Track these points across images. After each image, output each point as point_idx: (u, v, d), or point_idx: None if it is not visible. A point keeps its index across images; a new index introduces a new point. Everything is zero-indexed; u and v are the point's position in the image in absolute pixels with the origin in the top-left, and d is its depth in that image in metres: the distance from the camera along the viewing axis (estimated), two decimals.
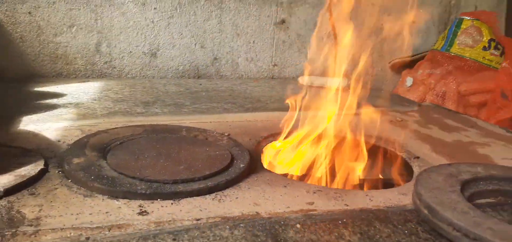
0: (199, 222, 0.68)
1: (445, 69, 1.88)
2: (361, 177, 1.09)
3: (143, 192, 0.75)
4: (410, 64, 2.14)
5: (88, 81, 1.70)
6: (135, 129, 1.07)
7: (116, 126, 1.09)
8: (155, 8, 1.80)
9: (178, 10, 1.84)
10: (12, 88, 1.51)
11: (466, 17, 1.90)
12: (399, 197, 0.82)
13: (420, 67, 2.00)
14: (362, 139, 1.12)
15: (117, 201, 0.73)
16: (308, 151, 1.10)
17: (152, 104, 1.40)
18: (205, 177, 0.81)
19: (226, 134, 1.12)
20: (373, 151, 1.13)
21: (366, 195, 0.82)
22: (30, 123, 1.12)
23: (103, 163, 0.85)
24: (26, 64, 1.67)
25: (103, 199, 0.73)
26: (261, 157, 1.05)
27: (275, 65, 2.04)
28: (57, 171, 0.83)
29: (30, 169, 0.80)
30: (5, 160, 0.83)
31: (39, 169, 0.81)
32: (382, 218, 0.72)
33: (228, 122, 1.25)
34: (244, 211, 0.72)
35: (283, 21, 2.00)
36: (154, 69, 1.86)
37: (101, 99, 1.43)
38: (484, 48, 1.81)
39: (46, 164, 0.85)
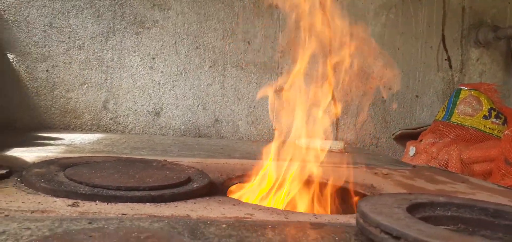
0: (123, 216, 0.67)
1: (448, 138, 1.83)
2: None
3: (84, 192, 0.76)
4: (415, 136, 2.10)
5: (92, 133, 1.79)
6: (108, 158, 1.10)
7: (95, 156, 1.13)
8: (162, 72, 1.93)
9: (183, 75, 1.95)
10: (21, 133, 1.61)
11: (464, 88, 1.89)
12: (349, 219, 0.78)
13: (423, 137, 1.96)
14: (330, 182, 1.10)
15: (56, 198, 0.74)
16: (273, 190, 1.08)
17: (141, 149, 1.44)
18: (151, 188, 0.82)
19: (198, 168, 1.13)
20: (339, 192, 1.09)
21: (314, 216, 0.79)
22: (17, 152, 1.18)
23: (60, 174, 0.88)
24: (38, 116, 1.80)
25: (44, 196, 0.75)
26: (227, 189, 1.04)
27: (275, 129, 2.06)
28: (16, 178, 0.87)
29: None
30: None
31: None
32: (318, 229, 0.68)
33: (207, 163, 1.26)
34: (175, 213, 0.71)
35: (282, 89, 2.07)
36: (156, 127, 1.94)
37: (94, 143, 1.49)
38: (485, 117, 1.77)
39: (9, 173, 0.89)
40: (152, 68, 1.92)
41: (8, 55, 1.75)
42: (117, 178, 0.87)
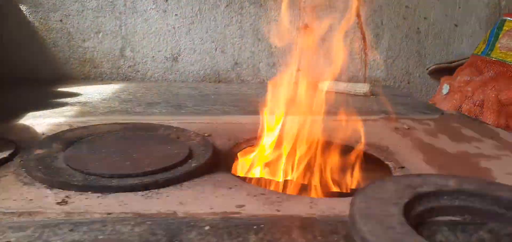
0: (108, 216, 0.67)
1: (485, 76, 1.67)
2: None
3: (76, 183, 0.76)
4: (451, 71, 1.94)
5: (111, 83, 1.79)
6: (115, 127, 1.10)
7: (102, 123, 1.13)
8: (176, 15, 1.85)
9: (199, 16, 1.87)
10: (42, 87, 1.63)
11: (509, 18, 1.67)
12: (346, 207, 0.73)
13: (459, 74, 1.81)
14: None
15: (49, 190, 0.75)
16: (276, 155, 1.04)
17: (155, 105, 1.43)
18: (145, 174, 0.80)
19: (206, 134, 1.11)
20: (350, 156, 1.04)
21: (309, 203, 0.75)
22: (30, 118, 1.20)
23: (60, 155, 0.89)
24: (58, 67, 1.82)
25: (38, 188, 0.76)
26: (232, 159, 1.02)
27: (298, 70, 1.97)
28: (19, 160, 0.88)
29: None
30: None
31: (0, 157, 0.87)
32: (305, 227, 0.65)
33: (217, 124, 1.22)
34: (162, 210, 0.70)
35: (307, 26, 1.94)
36: (175, 73, 1.91)
37: (110, 99, 1.49)
38: None
39: (14, 154, 0.91)
40: (165, 11, 1.84)
41: (21, 6, 1.73)
42: (114, 161, 0.86)
